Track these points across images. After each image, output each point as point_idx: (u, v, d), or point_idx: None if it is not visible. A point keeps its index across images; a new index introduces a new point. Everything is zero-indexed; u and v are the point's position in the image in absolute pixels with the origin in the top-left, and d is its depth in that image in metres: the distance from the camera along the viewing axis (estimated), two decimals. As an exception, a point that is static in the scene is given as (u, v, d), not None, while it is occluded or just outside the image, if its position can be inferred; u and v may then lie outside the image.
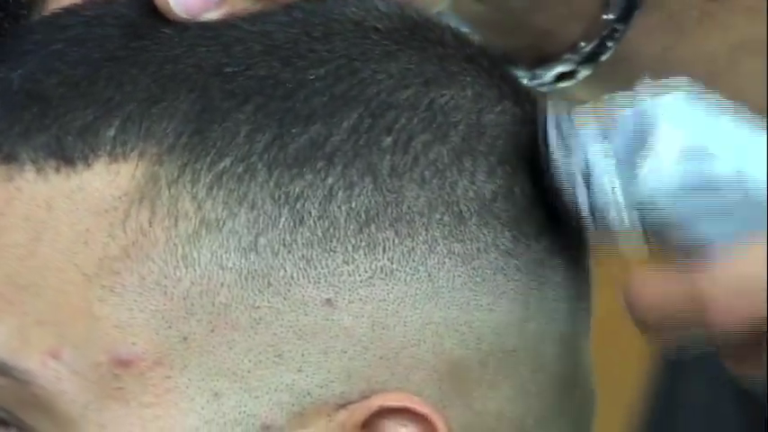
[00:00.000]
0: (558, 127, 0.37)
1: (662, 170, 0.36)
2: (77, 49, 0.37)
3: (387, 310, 0.34)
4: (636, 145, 0.36)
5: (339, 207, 0.35)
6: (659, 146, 0.36)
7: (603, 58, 0.48)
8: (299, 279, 0.34)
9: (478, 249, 0.35)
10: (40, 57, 0.38)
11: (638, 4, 0.47)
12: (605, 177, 0.36)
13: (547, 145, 0.37)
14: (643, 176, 0.36)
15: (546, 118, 0.37)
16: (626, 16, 0.47)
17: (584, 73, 0.49)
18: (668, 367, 1.42)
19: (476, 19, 0.45)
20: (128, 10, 0.38)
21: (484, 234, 0.36)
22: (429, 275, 0.35)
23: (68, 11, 0.38)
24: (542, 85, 0.48)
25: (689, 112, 0.38)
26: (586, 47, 0.48)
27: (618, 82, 0.48)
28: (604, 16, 0.47)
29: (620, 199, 0.36)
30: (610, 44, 0.48)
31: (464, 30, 0.44)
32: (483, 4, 0.46)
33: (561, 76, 0.48)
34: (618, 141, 0.36)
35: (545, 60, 0.48)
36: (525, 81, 0.47)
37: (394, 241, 0.35)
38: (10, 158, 0.36)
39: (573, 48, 0.48)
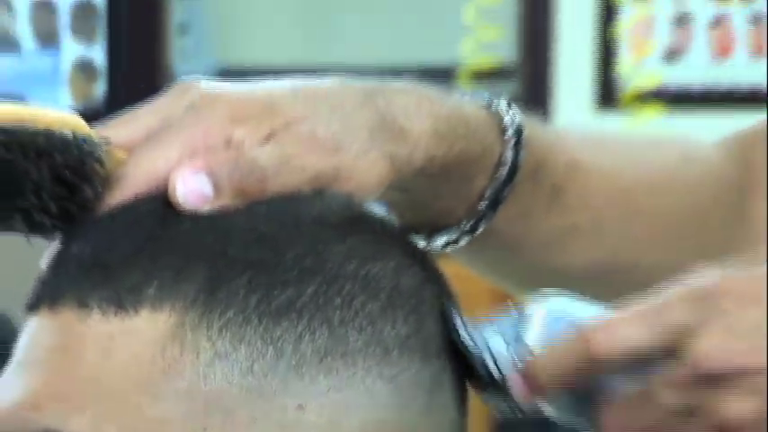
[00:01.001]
0: (464, 324, 0.47)
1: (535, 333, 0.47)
2: (128, 232, 0.45)
3: (339, 412, 0.43)
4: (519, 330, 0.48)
5: (306, 346, 0.43)
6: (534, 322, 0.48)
7: (478, 231, 0.56)
8: (280, 393, 0.43)
9: (399, 371, 0.44)
10: (103, 238, 0.45)
11: (502, 199, 0.56)
12: (501, 348, 0.47)
13: (458, 333, 0.47)
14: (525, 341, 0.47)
15: (455, 318, 0.48)
16: (494, 206, 0.56)
17: (464, 241, 0.56)
18: None
19: (394, 203, 0.52)
20: (160, 204, 0.45)
21: (402, 361, 0.44)
22: (366, 390, 0.43)
23: (123, 207, 0.45)
24: (435, 248, 0.56)
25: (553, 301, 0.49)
26: (467, 224, 0.56)
27: (487, 247, 0.58)
28: (479, 206, 0.56)
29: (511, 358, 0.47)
30: (483, 223, 0.56)
31: (387, 215, 0.51)
32: (400, 195, 0.53)
33: (448, 243, 0.56)
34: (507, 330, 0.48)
35: (438, 231, 0.56)
36: (423, 244, 0.54)
37: (343, 368, 0.43)
38: (83, 305, 0.44)
39: (458, 224, 0.56)
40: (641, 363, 0.46)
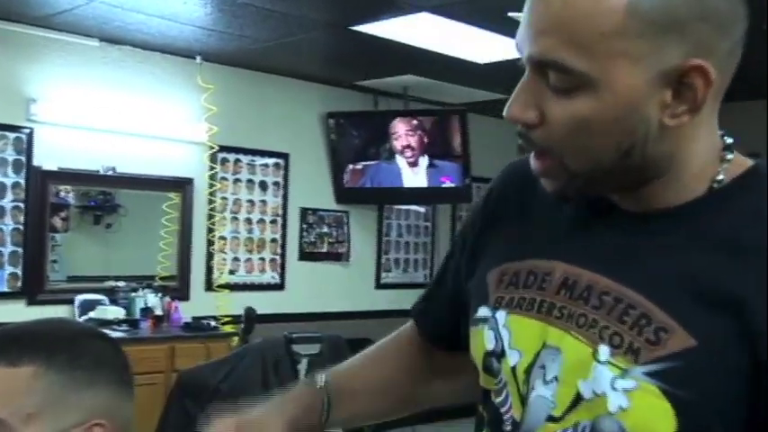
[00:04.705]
0: None
1: None
2: (9, 335, 1.13)
3: (93, 399, 1.13)
4: None
5: (83, 376, 1.12)
6: None
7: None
8: (74, 394, 1.12)
9: (99, 377, 1.13)
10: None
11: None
12: None
13: None
14: None
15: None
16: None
17: None
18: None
19: None
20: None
21: (113, 385, 1.15)
22: (93, 387, 1.13)
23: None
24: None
25: None
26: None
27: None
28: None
29: None
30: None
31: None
32: None
33: None
34: None
35: None
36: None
37: (94, 383, 1.13)
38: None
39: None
40: None
